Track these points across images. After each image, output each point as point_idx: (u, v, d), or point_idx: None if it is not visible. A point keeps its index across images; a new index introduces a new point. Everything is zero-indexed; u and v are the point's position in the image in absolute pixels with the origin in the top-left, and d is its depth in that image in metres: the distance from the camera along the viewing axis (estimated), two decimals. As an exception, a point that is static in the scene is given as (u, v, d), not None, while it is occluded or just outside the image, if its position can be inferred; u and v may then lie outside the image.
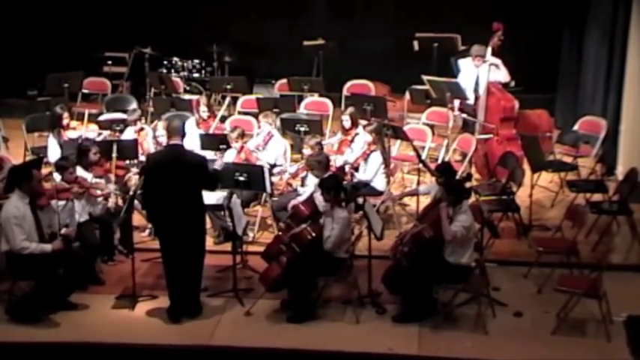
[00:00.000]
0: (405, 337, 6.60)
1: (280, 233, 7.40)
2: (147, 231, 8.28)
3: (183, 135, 6.82)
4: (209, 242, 7.56)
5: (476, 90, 9.84)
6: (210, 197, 7.33)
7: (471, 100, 9.85)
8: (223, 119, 9.81)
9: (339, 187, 7.05)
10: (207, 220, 7.40)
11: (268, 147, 9.00)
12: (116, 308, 7.09)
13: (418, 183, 8.61)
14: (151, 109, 10.77)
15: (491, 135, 9.47)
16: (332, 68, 11.55)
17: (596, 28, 10.55)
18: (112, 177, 8.14)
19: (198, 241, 6.88)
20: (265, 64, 12.26)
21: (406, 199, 8.89)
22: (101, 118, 9.87)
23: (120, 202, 8.13)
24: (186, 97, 10.96)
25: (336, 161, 8.77)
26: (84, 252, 7.15)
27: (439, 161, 9.56)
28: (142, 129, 9.07)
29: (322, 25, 12.29)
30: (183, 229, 6.72)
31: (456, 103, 9.83)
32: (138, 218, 8.20)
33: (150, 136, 8.99)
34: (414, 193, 8.19)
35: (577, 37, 10.98)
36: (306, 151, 8.33)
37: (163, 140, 8.35)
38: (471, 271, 6.77)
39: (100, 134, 9.20)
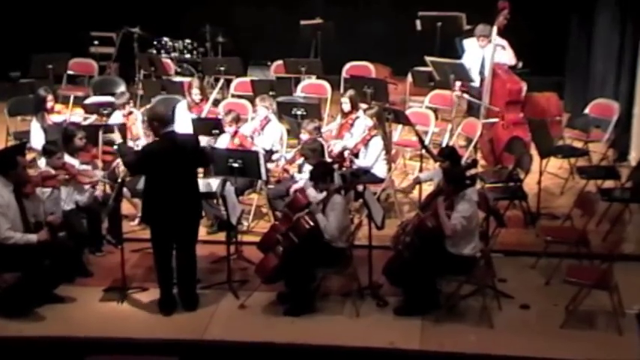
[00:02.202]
0: (406, 331, 6.60)
1: (277, 222, 7.40)
2: (136, 220, 8.27)
3: (173, 120, 6.82)
4: (202, 232, 7.55)
5: (481, 72, 9.81)
6: (203, 185, 7.31)
7: (476, 83, 9.83)
8: (216, 103, 9.79)
9: (331, 172, 7.07)
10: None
11: (265, 132, 9.00)
12: (105, 301, 7.09)
13: (421, 170, 8.61)
14: (141, 92, 10.74)
15: (497, 119, 9.46)
16: (330, 49, 11.52)
17: (606, 9, 10.52)
18: (99, 163, 8.13)
19: (193, 229, 6.89)
20: (260, 45, 12.21)
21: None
22: (87, 101, 9.85)
23: (108, 189, 8.13)
24: (178, 79, 10.94)
25: (335, 147, 8.78)
26: (71, 242, 7.14)
27: (443, 146, 9.55)
28: (130, 113, 9.04)
29: (321, 4, 12.24)
30: (177, 217, 6.72)
31: (457, 84, 9.81)
32: (127, 207, 8.20)
33: (139, 121, 8.96)
34: (417, 182, 8.18)
35: (586, 17, 10.94)
36: (304, 137, 8.33)
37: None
38: (476, 262, 6.77)
39: (86, 118, 9.17)
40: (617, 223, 8.11)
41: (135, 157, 7.28)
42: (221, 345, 6.57)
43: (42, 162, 7.73)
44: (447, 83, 9.82)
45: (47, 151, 7.61)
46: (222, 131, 8.62)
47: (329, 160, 8.23)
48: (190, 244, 6.87)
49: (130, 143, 8.66)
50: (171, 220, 6.72)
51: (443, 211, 6.65)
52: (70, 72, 11.16)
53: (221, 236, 7.78)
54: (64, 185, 7.47)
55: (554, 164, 9.44)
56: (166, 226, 6.76)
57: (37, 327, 6.71)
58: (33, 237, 6.80)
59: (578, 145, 9.44)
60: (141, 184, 7.09)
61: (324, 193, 6.95)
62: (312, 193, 7.03)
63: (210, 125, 8.70)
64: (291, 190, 7.88)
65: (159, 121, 6.77)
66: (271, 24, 12.22)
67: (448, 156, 7.42)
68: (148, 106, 8.71)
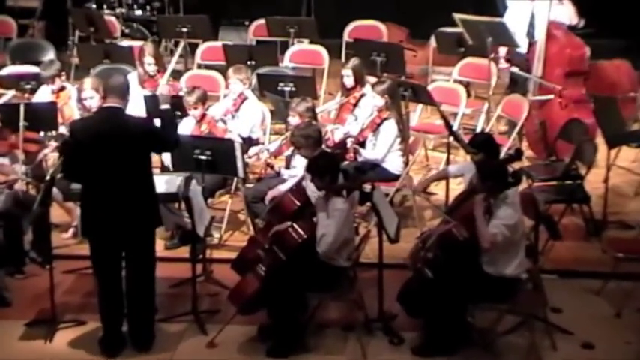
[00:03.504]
0: (429, 377, 6.65)
1: (257, 234, 7.42)
2: (71, 230, 8.30)
3: (124, 96, 6.81)
4: (159, 246, 7.60)
5: (530, 33, 9.87)
6: (161, 183, 7.35)
7: (522, 48, 9.87)
8: (177, 75, 9.85)
9: (335, 169, 7.07)
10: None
11: (240, 114, 9.05)
12: (27, 339, 7.11)
13: (448, 163, 8.63)
14: (76, 61, 10.79)
15: (551, 96, 9.51)
16: (328, 5, 11.57)
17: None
18: (21, 155, 8.15)
19: (148, 242, 6.90)
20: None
21: (431, 185, 8.92)
22: (4, 72, 9.89)
23: (32, 190, 8.16)
24: (125, 43, 10.97)
25: (335, 134, 8.82)
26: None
27: (477, 132, 9.56)
28: (62, 88, 9.08)
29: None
30: (126, 226, 6.73)
31: (502, 51, 9.83)
32: (58, 213, 8.23)
33: (74, 99, 9.00)
34: (443, 177, 8.23)
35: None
36: (293, 120, 8.36)
37: (93, 104, 8.37)
38: (521, 285, 6.79)
39: (1, 95, 9.21)
40: None
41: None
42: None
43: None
44: (483, 49, 9.86)
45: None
46: (184, 114, 8.65)
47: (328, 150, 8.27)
48: (145, 263, 6.89)
49: (63, 129, 8.70)
50: (119, 231, 6.73)
51: (481, 215, 6.66)
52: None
53: (184, 252, 7.80)
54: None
55: (627, 156, 9.50)
56: (112, 239, 6.76)
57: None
58: None
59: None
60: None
61: (322, 193, 6.99)
62: (311, 186, 7.05)
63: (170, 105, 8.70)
64: (267, 197, 7.95)
65: (104, 91, 6.83)
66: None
67: (483, 145, 7.39)
68: (88, 79, 8.71)
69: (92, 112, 8.21)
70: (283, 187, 7.92)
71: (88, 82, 8.65)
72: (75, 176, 6.88)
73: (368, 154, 8.60)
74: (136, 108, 8.68)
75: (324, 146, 8.08)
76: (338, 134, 8.80)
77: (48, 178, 7.21)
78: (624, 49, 10.94)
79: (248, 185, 8.58)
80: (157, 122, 7.46)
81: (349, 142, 8.71)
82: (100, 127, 6.73)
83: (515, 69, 9.80)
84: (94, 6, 11.94)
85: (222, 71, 9.86)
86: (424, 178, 8.63)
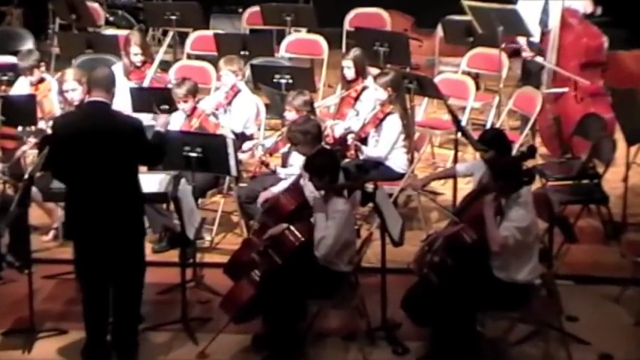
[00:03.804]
0: (436, 391, 6.64)
1: (252, 236, 7.42)
2: (51, 233, 8.29)
3: (110, 89, 6.78)
4: (146, 250, 7.51)
5: (543, 21, 9.85)
6: (147, 182, 7.33)
7: (535, 37, 9.87)
8: (165, 66, 9.84)
9: (335, 167, 7.08)
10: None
11: (233, 108, 9.07)
12: (4, 349, 7.09)
13: (455, 161, 8.63)
14: (56, 50, 10.77)
15: (566, 89, 9.51)
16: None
17: None
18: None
19: (137, 246, 6.88)
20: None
21: (437, 185, 8.92)
22: (-22, 63, 9.89)
23: (9, 189, 8.15)
24: (110, 32, 10.96)
25: (335, 129, 8.82)
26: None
27: (487, 128, 9.55)
28: (41, 80, 9.07)
29: None
30: (112, 228, 6.71)
31: (523, 40, 9.81)
32: (37, 214, 8.21)
33: (54, 92, 8.98)
34: (450, 175, 8.22)
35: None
36: (289, 115, 8.37)
37: (76, 97, 8.36)
38: (534, 292, 6.80)
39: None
40: None
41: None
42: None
43: None
44: (494, 38, 9.86)
45: None
46: (173, 108, 8.65)
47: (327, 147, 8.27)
48: (133, 268, 6.86)
49: (42, 124, 8.69)
50: (105, 234, 6.71)
51: (491, 216, 6.66)
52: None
53: (173, 255, 7.80)
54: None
55: (648, 153, 9.51)
56: (98, 242, 6.73)
57: None
58: None
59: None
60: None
61: (321, 193, 6.99)
62: (309, 186, 7.05)
63: (157, 98, 8.71)
64: (260, 198, 7.96)
65: (88, 84, 6.81)
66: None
67: (494, 142, 7.43)
68: (70, 70, 8.70)
69: (75, 107, 8.20)
70: (276, 189, 7.93)
71: (70, 73, 8.61)
72: (59, 175, 6.86)
73: (370, 151, 8.60)
74: (122, 101, 8.69)
75: (323, 143, 8.08)
76: (338, 130, 8.81)
77: (26, 176, 7.17)
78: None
79: (241, 184, 8.58)
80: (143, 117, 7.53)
81: (350, 138, 8.71)
82: (84, 123, 6.71)
83: (540, 59, 9.75)
84: (77, -8, 11.90)
85: (214, 62, 9.85)
86: (429, 175, 8.60)
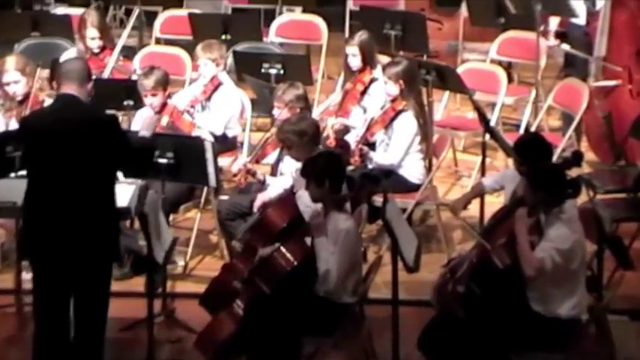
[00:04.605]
0: None
1: (234, 260, 7.42)
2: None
3: (84, 84, 6.76)
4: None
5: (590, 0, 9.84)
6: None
7: (581, 19, 9.84)
8: (129, 53, 9.87)
9: (339, 173, 7.09)
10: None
11: (212, 105, 9.11)
12: None
13: (483, 169, 8.65)
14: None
15: (619, 81, 9.48)
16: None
17: None
18: None
19: (104, 270, 6.84)
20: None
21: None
22: None
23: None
24: (60, 10, 10.98)
25: (336, 130, 8.87)
26: None
27: (521, 130, 9.51)
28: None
29: None
30: (83, 249, 6.66)
31: (553, 23, 9.78)
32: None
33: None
34: (479, 194, 8.19)
35: None
36: (279, 113, 8.38)
37: (18, 90, 8.44)
38: (581, 329, 6.79)
39: None
40: None
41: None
42: None
43: None
44: (530, 19, 9.91)
45: None
46: (139, 103, 8.64)
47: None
48: (97, 298, 6.81)
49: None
50: (69, 254, 6.66)
51: (524, 233, 6.64)
52: None
53: (138, 283, 7.82)
54: None
55: None
56: (59, 265, 6.69)
57: None
58: None
59: None
60: (13, 192, 7.06)
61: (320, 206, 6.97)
62: (305, 197, 7.02)
63: (120, 91, 8.73)
64: (256, 203, 7.94)
65: (57, 77, 6.82)
66: None
67: (530, 150, 7.40)
68: (12, 58, 8.67)
69: (18, 103, 8.18)
70: (274, 191, 7.95)
71: (11, 61, 8.67)
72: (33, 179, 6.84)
73: (379, 157, 8.62)
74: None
75: (321, 146, 8.12)
76: (340, 131, 8.81)
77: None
78: None
79: (222, 197, 8.60)
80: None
81: (355, 140, 8.72)
82: (51, 119, 6.72)
83: (566, 46, 9.76)
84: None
85: (189, 48, 9.88)
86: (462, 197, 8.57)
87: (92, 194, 6.66)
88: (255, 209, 7.98)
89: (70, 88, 6.71)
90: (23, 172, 6.96)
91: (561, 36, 10.16)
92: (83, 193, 6.62)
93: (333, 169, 7.04)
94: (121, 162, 6.84)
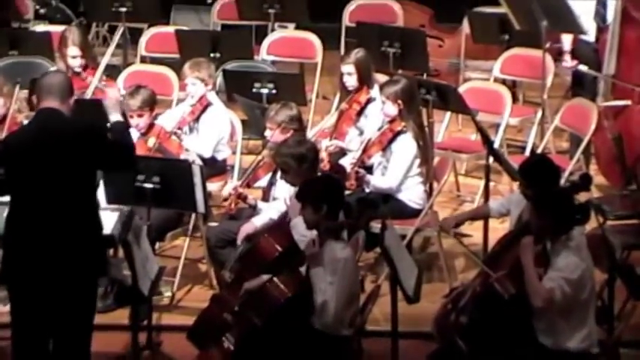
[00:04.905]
0: None
1: (224, 291, 7.46)
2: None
3: (65, 99, 6.74)
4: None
5: (600, 14, 9.88)
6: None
7: (590, 36, 9.89)
8: (113, 72, 9.91)
9: (337, 198, 7.11)
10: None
11: (201, 126, 9.14)
12: None
13: (487, 193, 8.64)
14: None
15: (629, 102, 9.53)
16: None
17: None
18: None
19: (89, 298, 6.82)
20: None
21: (465, 225, 8.92)
22: None
23: None
24: (41, 28, 10.98)
25: (331, 153, 8.90)
26: None
27: (527, 152, 9.55)
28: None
29: None
30: (67, 274, 6.65)
31: (566, 42, 9.82)
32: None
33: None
34: (482, 215, 8.22)
35: None
36: (273, 135, 8.39)
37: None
38: (592, 362, 6.80)
39: None
40: None
41: None
42: None
43: None
44: (535, 36, 9.92)
45: None
46: (125, 124, 8.65)
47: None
48: (80, 330, 6.80)
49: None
50: (53, 275, 6.65)
51: (531, 262, 6.65)
52: None
53: (122, 316, 7.82)
54: None
55: None
56: (41, 291, 6.67)
57: None
58: None
59: None
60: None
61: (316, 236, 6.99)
62: (300, 226, 7.05)
63: (102, 112, 8.72)
64: (240, 235, 7.93)
65: (37, 91, 6.80)
66: None
67: (536, 171, 7.43)
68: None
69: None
70: (259, 221, 7.95)
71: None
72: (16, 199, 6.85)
73: (377, 181, 8.63)
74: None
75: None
76: (335, 153, 8.86)
77: None
78: None
79: (211, 224, 8.61)
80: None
81: (350, 162, 8.72)
82: (35, 134, 6.72)
83: (584, 67, 9.76)
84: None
85: (176, 67, 9.90)
86: (457, 214, 8.59)
87: (77, 208, 6.66)
88: (238, 242, 7.94)
89: (51, 104, 6.70)
90: (3, 199, 6.92)
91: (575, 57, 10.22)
92: (68, 207, 6.63)
93: (331, 194, 7.08)
94: (104, 160, 6.79)
